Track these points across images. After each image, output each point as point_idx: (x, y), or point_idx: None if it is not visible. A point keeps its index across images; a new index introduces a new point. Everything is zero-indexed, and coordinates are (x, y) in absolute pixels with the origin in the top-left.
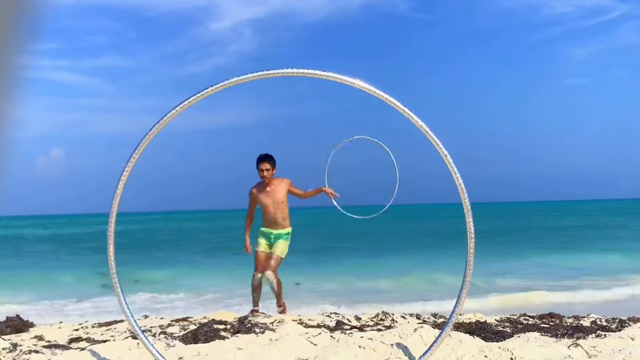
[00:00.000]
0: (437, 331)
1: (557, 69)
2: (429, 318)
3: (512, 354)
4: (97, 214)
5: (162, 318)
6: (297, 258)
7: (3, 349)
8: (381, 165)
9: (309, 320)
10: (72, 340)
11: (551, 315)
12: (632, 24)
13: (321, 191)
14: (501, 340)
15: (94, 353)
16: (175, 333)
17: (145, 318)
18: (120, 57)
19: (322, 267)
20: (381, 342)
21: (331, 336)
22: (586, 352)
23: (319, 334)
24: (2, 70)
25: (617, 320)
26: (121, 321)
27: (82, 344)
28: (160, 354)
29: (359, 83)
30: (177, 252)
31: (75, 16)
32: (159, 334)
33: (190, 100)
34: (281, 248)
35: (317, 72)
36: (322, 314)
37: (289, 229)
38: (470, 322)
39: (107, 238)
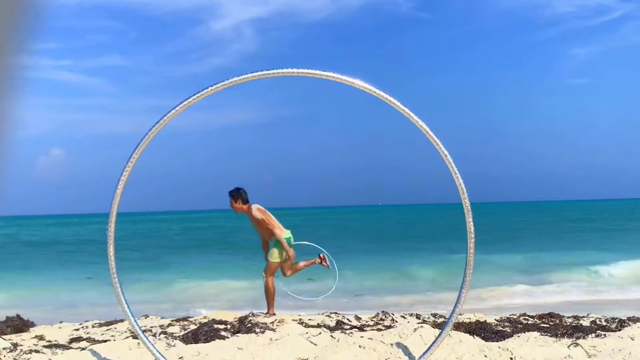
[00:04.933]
0: (437, 331)
1: (558, 68)
2: (428, 318)
3: (512, 354)
4: (97, 214)
5: (162, 318)
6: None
7: (4, 348)
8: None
9: (309, 320)
10: (72, 340)
11: (551, 315)
12: (634, 24)
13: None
14: (501, 340)
15: (94, 353)
16: (175, 333)
17: (146, 318)
18: (121, 57)
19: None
20: (381, 341)
21: (331, 336)
22: (586, 351)
23: (319, 333)
24: (2, 70)
25: (616, 320)
26: (121, 321)
27: (83, 343)
28: (161, 354)
29: (359, 83)
30: None
31: (76, 16)
32: (160, 334)
33: (190, 100)
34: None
35: (317, 72)
36: (322, 313)
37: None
38: (470, 321)
39: (107, 238)
